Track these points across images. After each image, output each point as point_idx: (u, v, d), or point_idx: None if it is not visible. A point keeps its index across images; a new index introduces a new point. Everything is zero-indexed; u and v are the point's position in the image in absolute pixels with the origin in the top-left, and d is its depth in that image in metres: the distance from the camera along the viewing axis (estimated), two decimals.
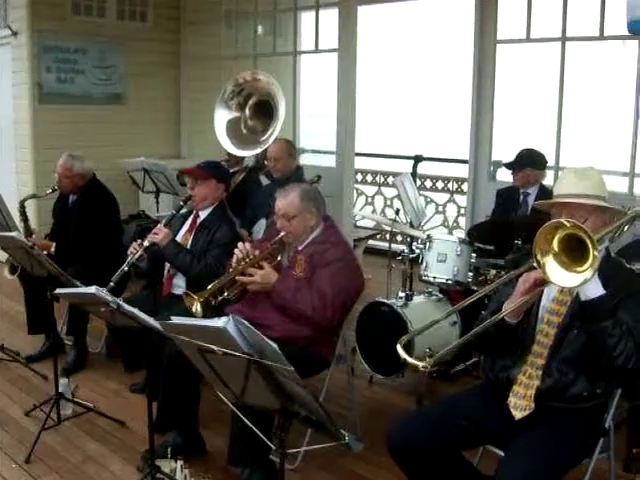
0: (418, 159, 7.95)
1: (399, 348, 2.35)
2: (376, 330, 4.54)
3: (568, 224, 2.30)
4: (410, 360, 2.30)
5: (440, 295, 4.79)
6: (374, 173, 8.65)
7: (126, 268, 4.19)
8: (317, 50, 6.95)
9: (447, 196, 8.00)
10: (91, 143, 6.94)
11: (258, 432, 2.35)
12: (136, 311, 2.88)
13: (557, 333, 2.70)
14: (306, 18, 7.41)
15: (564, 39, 5.41)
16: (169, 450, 3.50)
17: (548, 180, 5.30)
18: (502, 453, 2.77)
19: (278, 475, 3.34)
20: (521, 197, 5.03)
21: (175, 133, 8.18)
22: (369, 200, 8.74)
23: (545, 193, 4.98)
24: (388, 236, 8.16)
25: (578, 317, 2.62)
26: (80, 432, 4.02)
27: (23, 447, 3.81)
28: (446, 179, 7.96)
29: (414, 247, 4.80)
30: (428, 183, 8.08)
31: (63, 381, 4.15)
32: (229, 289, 3.54)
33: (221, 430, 3.87)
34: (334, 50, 6.70)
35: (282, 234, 3.61)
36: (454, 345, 2.49)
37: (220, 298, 3.52)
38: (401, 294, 4.64)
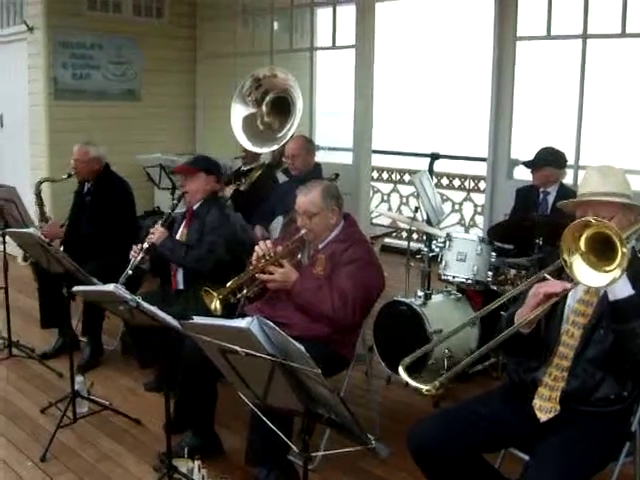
0: (435, 157, 7.92)
1: (401, 370, 2.24)
2: (394, 329, 4.49)
3: (595, 222, 2.24)
4: (413, 383, 2.19)
5: (459, 294, 4.74)
6: (390, 170, 8.58)
7: (130, 272, 4.16)
8: (334, 46, 6.90)
9: (464, 194, 7.92)
10: (106, 139, 6.83)
11: (280, 433, 2.30)
12: (155, 309, 2.83)
13: (583, 334, 2.64)
14: (322, 14, 7.34)
15: (585, 36, 5.34)
16: (186, 450, 3.47)
17: (568, 179, 5.23)
18: (525, 456, 2.72)
19: (297, 475, 3.37)
20: (541, 196, 4.95)
21: (190, 129, 8.16)
22: (385, 198, 8.67)
23: (565, 192, 4.90)
24: (405, 234, 8.14)
25: (605, 317, 2.56)
26: (96, 430, 3.99)
27: (38, 445, 3.79)
28: (463, 177, 7.88)
29: (433, 246, 4.74)
30: (444, 181, 8.00)
31: (79, 379, 4.12)
32: (248, 287, 3.49)
33: (238, 430, 3.84)
34: (351, 47, 6.66)
35: (303, 232, 3.56)
36: (462, 365, 2.38)
37: (239, 295, 3.48)
38: (420, 293, 4.59)
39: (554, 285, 2.44)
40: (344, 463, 3.63)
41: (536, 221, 4.26)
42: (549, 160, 4.87)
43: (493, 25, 5.71)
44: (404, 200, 8.53)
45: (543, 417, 2.64)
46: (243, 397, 2.39)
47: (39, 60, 6.93)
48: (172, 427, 3.90)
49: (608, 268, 2.22)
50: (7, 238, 4.71)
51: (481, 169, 7.78)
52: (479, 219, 7.86)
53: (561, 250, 2.31)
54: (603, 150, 6.05)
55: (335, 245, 3.57)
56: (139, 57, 7.54)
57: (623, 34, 5.14)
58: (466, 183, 7.87)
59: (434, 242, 4.74)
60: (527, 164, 4.97)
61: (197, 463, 3.36)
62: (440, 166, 7.90)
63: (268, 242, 3.58)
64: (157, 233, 4.12)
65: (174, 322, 2.84)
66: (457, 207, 8.03)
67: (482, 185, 7.73)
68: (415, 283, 5.44)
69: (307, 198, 3.55)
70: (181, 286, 4.23)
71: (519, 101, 5.79)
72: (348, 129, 6.91)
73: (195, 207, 4.34)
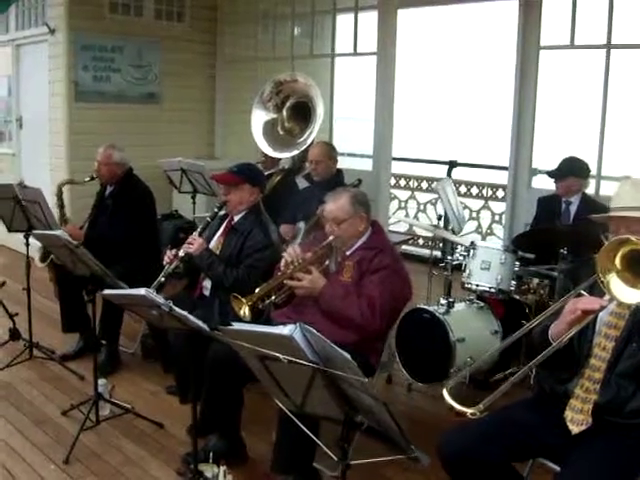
0: (453, 164, 7.91)
1: (445, 394, 2.24)
2: (417, 337, 4.48)
3: (636, 240, 2.23)
4: (458, 407, 2.19)
5: (481, 303, 4.72)
6: (407, 178, 8.58)
7: (163, 279, 4.08)
8: (355, 53, 6.90)
9: (481, 202, 7.90)
10: (125, 142, 6.84)
11: (320, 443, 2.29)
12: (187, 314, 2.83)
13: (615, 347, 2.62)
14: (341, 20, 7.34)
15: (609, 46, 5.32)
16: (211, 455, 3.46)
17: (590, 189, 5.21)
18: (555, 466, 2.70)
19: None
20: (563, 206, 4.94)
21: (209, 133, 8.18)
22: (402, 205, 8.67)
23: (588, 202, 4.90)
24: (421, 241, 8.13)
25: (637, 331, 2.55)
26: (118, 433, 3.99)
27: (61, 447, 3.78)
28: (481, 185, 7.87)
29: (457, 254, 4.72)
30: (462, 189, 7.98)
31: (101, 382, 4.11)
32: (276, 293, 3.48)
33: (263, 436, 3.83)
34: (373, 53, 6.66)
35: (331, 238, 3.54)
36: (505, 386, 2.39)
37: (267, 302, 3.47)
38: (443, 301, 4.58)
39: (592, 302, 2.43)
40: (367, 470, 3.60)
41: (562, 230, 4.24)
42: (573, 170, 4.86)
43: (517, 33, 5.70)
44: (421, 207, 8.52)
45: (575, 429, 2.62)
46: (279, 404, 2.38)
47: (60, 62, 6.96)
48: (197, 431, 3.95)
49: None
50: (31, 240, 4.73)
51: (499, 177, 7.78)
52: (496, 227, 7.84)
53: (597, 269, 2.31)
54: (626, 160, 6.01)
55: (363, 252, 3.56)
56: (160, 60, 7.56)
57: None
58: (484, 191, 7.85)
59: (458, 250, 4.73)
60: (551, 174, 4.96)
61: (222, 469, 3.34)
62: (458, 174, 7.88)
63: (297, 248, 3.57)
64: (196, 244, 3.99)
65: (205, 327, 2.83)
66: (475, 215, 8.01)
67: (500, 193, 7.73)
68: (434, 291, 5.43)
69: (336, 205, 3.54)
70: (207, 292, 4.17)
71: (541, 110, 5.77)
72: (367, 136, 6.91)
73: (236, 219, 4.18)
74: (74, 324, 5.06)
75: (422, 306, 4.55)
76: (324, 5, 7.26)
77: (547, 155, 5.92)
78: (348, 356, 1.92)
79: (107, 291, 3.16)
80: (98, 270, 3.67)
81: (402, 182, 8.64)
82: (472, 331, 4.46)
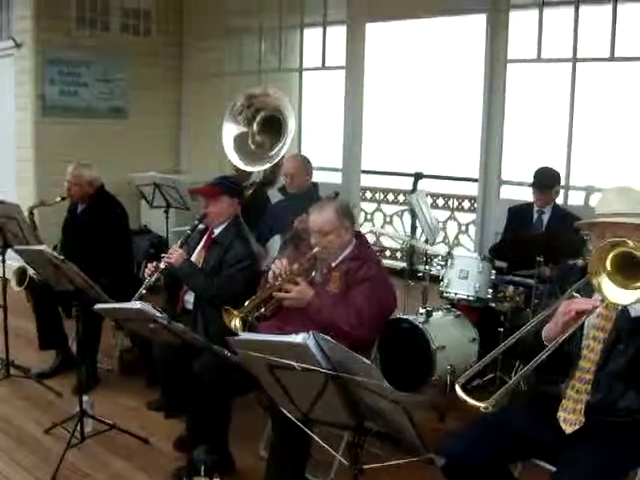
0: (419, 176, 8.02)
1: (458, 389, 2.30)
2: (396, 346, 4.54)
3: (631, 243, 2.32)
4: (471, 401, 2.25)
5: (457, 312, 4.81)
6: (373, 190, 8.67)
7: (144, 291, 4.08)
8: (324, 67, 6.96)
9: (448, 213, 8.04)
10: (92, 156, 6.78)
11: (329, 448, 2.31)
12: (185, 328, 2.83)
13: (603, 348, 2.72)
14: (310, 35, 7.40)
15: (575, 60, 5.49)
16: (202, 468, 3.45)
17: (559, 199, 5.35)
18: (549, 466, 2.77)
19: None
20: (535, 215, 5.07)
21: (175, 148, 8.14)
22: (368, 217, 8.76)
23: (559, 211, 5.05)
24: (388, 253, 8.22)
25: (624, 332, 2.64)
26: (104, 450, 3.95)
27: (46, 466, 3.73)
28: (447, 196, 8.01)
29: (435, 264, 4.81)
30: (429, 200, 8.09)
31: (84, 398, 4.06)
32: (265, 305, 3.51)
33: (249, 449, 3.86)
34: (341, 67, 6.74)
35: (316, 250, 3.58)
36: (512, 382, 2.46)
37: (256, 314, 3.48)
38: (421, 310, 4.66)
39: (585, 303, 2.51)
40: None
41: (540, 239, 4.35)
42: (556, 182, 5.01)
43: (485, 47, 5.84)
44: (388, 219, 8.62)
45: (568, 429, 2.71)
46: (285, 412, 2.40)
47: (27, 76, 6.89)
48: (185, 444, 3.94)
49: (635, 285, 2.31)
50: (7, 257, 4.68)
51: (464, 189, 7.94)
52: (463, 238, 7.99)
53: (589, 271, 2.39)
54: (592, 171, 6.21)
55: (349, 263, 3.60)
56: (127, 75, 7.53)
57: (612, 58, 5.30)
58: (450, 202, 8.00)
59: (435, 260, 4.82)
60: (537, 185, 5.04)
61: None
62: (424, 186, 7.99)
63: (284, 260, 3.59)
64: (175, 255, 4.00)
65: (203, 340, 2.84)
66: (441, 226, 8.14)
67: (466, 204, 7.89)
68: (407, 302, 5.53)
69: (321, 216, 3.58)
70: (189, 306, 4.17)
71: (509, 122, 5.91)
72: (336, 149, 6.98)
73: (217, 232, 4.22)
74: (50, 341, 5.00)
75: (402, 316, 4.62)
76: (292, 20, 7.32)
77: (516, 166, 6.05)
78: (368, 361, 1.96)
79: (100, 305, 3.14)
80: (84, 284, 3.64)
81: (368, 194, 8.74)
82: (451, 339, 4.56)
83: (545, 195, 4.97)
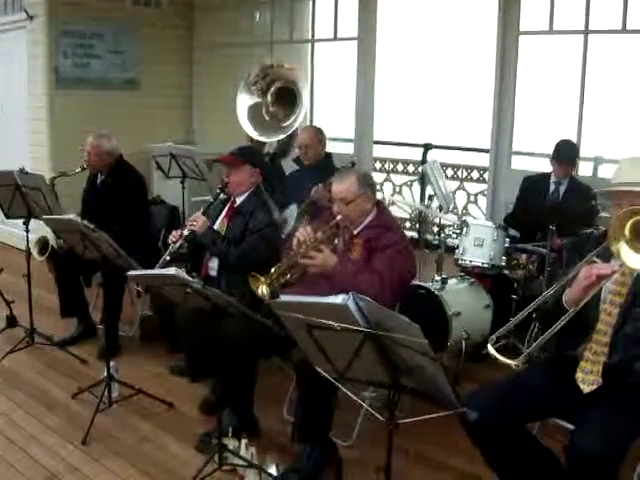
0: (428, 147, 8.05)
1: (490, 347, 2.41)
2: (413, 313, 4.60)
3: None
4: (503, 359, 2.37)
5: (471, 279, 4.91)
6: (383, 160, 8.71)
7: (168, 258, 4.19)
8: (335, 38, 6.98)
9: (456, 183, 8.10)
10: (106, 128, 6.90)
11: (364, 404, 2.42)
12: (219, 292, 2.93)
13: (620, 312, 2.82)
14: (321, 6, 7.39)
15: (587, 32, 5.52)
16: (230, 429, 3.57)
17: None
18: (567, 424, 2.89)
19: (336, 451, 3.52)
20: (552, 186, 5.15)
21: (188, 119, 8.19)
22: (377, 187, 8.79)
23: (575, 182, 5.13)
24: (405, 223, 8.29)
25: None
26: (131, 414, 4.07)
27: (75, 429, 3.85)
28: (456, 167, 8.05)
29: (449, 232, 4.91)
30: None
31: (112, 364, 4.17)
32: (290, 271, 3.60)
33: (270, 410, 3.98)
34: (353, 39, 6.76)
35: (338, 218, 3.66)
36: (539, 341, 2.56)
37: (282, 280, 3.58)
38: (437, 278, 4.76)
39: (605, 267, 2.60)
40: (378, 438, 3.76)
41: (561, 208, 4.44)
42: (577, 154, 5.11)
43: (497, 19, 5.87)
44: (397, 189, 8.68)
45: (586, 389, 2.81)
46: (320, 371, 2.50)
47: (40, 49, 6.91)
48: (210, 408, 4.06)
49: None
50: (31, 227, 4.77)
51: (473, 159, 7.99)
52: (471, 208, 8.06)
53: (609, 237, 2.48)
54: (603, 142, 6.27)
55: (371, 230, 3.69)
56: (138, 46, 7.56)
57: (624, 30, 5.34)
58: (459, 172, 8.06)
59: (450, 229, 4.91)
60: (559, 158, 5.08)
61: (244, 442, 3.48)
62: (433, 156, 8.03)
63: (308, 228, 3.68)
64: (199, 222, 4.10)
65: (237, 304, 2.94)
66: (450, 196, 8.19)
67: (475, 174, 7.94)
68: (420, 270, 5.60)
69: (343, 185, 3.66)
70: (214, 273, 4.26)
71: (521, 94, 5.95)
72: (348, 120, 7.03)
73: (239, 201, 4.30)
74: (72, 309, 5.10)
75: (418, 283, 4.72)
76: None
77: (526, 137, 6.12)
78: (407, 319, 2.06)
79: (133, 272, 3.23)
80: (112, 253, 3.73)
81: (377, 165, 8.78)
82: (466, 305, 4.65)
83: (565, 167, 5.04)
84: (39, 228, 5.07)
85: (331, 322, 2.17)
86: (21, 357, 4.81)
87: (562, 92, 6.35)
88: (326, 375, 2.48)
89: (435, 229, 7.54)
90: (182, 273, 2.96)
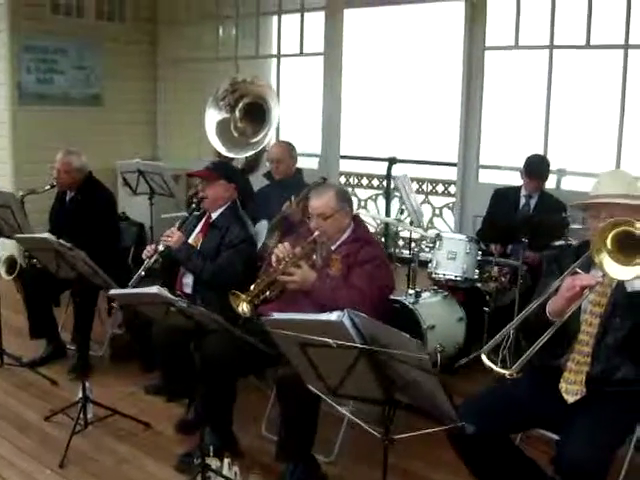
0: (392, 161, 8.14)
1: (484, 358, 2.44)
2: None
3: (638, 224, 2.47)
4: (496, 369, 2.39)
5: (444, 292, 4.95)
6: (347, 174, 8.76)
7: (143, 273, 4.14)
8: (302, 53, 7.00)
9: (421, 197, 8.17)
10: (70, 144, 6.78)
11: (360, 422, 2.41)
12: (204, 310, 2.90)
13: (601, 322, 2.87)
14: (285, 21, 7.40)
15: (552, 47, 5.63)
16: (211, 448, 3.52)
17: None
18: (551, 434, 2.94)
19: (318, 468, 3.51)
20: (523, 200, 5.22)
21: (152, 135, 8.11)
22: None
23: (545, 196, 5.21)
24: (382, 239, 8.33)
25: (620, 306, 2.80)
26: (107, 435, 3.98)
27: (51, 452, 3.75)
28: (421, 180, 8.13)
29: (423, 246, 4.95)
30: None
31: (87, 385, 4.08)
32: (270, 288, 3.58)
33: (249, 428, 3.94)
34: (319, 54, 6.79)
35: (316, 233, 3.66)
36: (532, 349, 2.60)
37: (262, 297, 3.55)
38: (410, 291, 4.79)
39: (588, 279, 2.65)
40: (360, 453, 3.77)
41: (533, 222, 4.49)
42: (548, 169, 5.18)
43: (463, 35, 5.95)
44: (362, 203, 8.72)
45: (570, 399, 2.86)
46: (312, 389, 2.49)
47: (2, 64, 6.78)
48: (187, 427, 4.00)
49: (635, 262, 2.46)
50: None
51: (438, 173, 8.09)
52: (437, 221, 8.14)
53: (591, 248, 2.54)
54: (569, 156, 6.39)
55: (349, 246, 3.69)
56: (101, 62, 7.47)
57: (588, 45, 5.46)
58: (424, 186, 8.14)
59: (423, 242, 4.95)
60: (530, 173, 5.15)
61: (227, 461, 3.43)
62: (398, 170, 8.10)
63: (287, 244, 3.66)
64: (174, 237, 4.08)
65: (225, 323, 2.91)
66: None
67: (440, 188, 8.04)
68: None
69: (322, 200, 3.66)
70: (188, 290, 4.23)
71: (488, 108, 6.04)
72: (314, 135, 7.04)
73: (214, 216, 4.29)
74: (41, 330, 4.99)
75: (392, 297, 4.73)
76: (269, 6, 7.34)
77: (494, 151, 6.21)
78: (407, 335, 2.07)
79: (115, 291, 3.18)
80: (88, 271, 3.66)
81: (342, 179, 8.80)
82: (440, 319, 4.69)
83: (535, 182, 5.13)
84: (5, 247, 4.97)
85: (328, 339, 2.16)
86: None
87: (528, 106, 6.47)
88: (318, 393, 2.47)
89: (400, 242, 7.64)
90: (165, 291, 2.93)
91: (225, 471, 3.39)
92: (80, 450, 3.79)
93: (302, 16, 6.91)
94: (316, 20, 6.82)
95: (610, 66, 5.60)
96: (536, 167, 5.12)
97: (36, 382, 4.67)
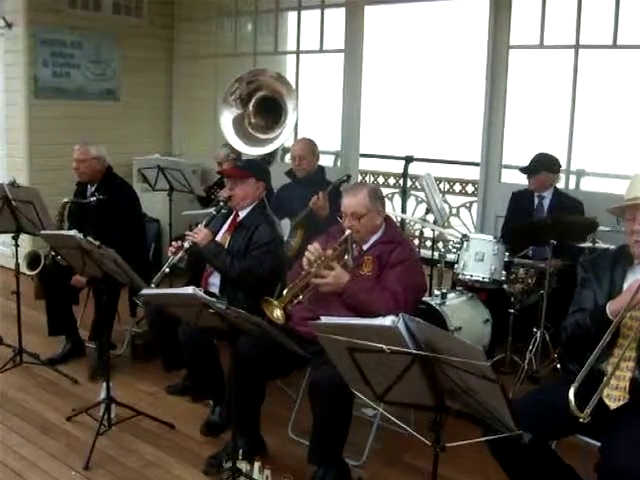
0: (409, 160, 8.03)
1: (571, 395, 2.44)
2: None
3: None
4: (575, 410, 2.42)
5: (470, 293, 4.88)
6: (364, 173, 8.69)
7: (167, 270, 4.08)
8: (321, 50, 6.91)
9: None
10: (84, 139, 6.72)
11: (410, 429, 2.34)
12: (243, 312, 2.82)
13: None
14: (305, 17, 7.30)
15: (577, 47, 5.53)
16: (240, 452, 3.46)
17: (560, 184, 5.43)
18: (594, 442, 2.86)
19: (349, 472, 3.44)
20: (536, 200, 5.15)
21: (167, 131, 8.03)
22: None
23: (560, 197, 5.14)
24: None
25: None
26: (131, 436, 3.93)
27: (74, 453, 3.71)
28: (437, 179, 8.04)
29: (450, 246, 4.88)
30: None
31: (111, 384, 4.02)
32: (303, 292, 3.49)
33: (275, 430, 3.88)
34: (340, 50, 6.71)
35: (347, 232, 3.58)
36: (592, 357, 2.56)
37: (295, 302, 3.47)
38: (437, 292, 4.72)
39: None
40: (389, 458, 3.71)
41: (549, 223, 4.42)
42: (544, 165, 5.07)
43: (487, 33, 5.85)
44: None
45: (613, 405, 2.80)
46: (358, 394, 2.42)
47: (18, 57, 6.71)
48: (214, 429, 3.94)
49: None
50: (20, 242, 4.60)
51: (457, 172, 8.02)
52: (454, 220, 8.07)
53: None
54: (594, 156, 6.32)
55: (382, 246, 3.62)
56: (117, 56, 7.40)
57: (614, 45, 5.37)
58: (441, 186, 8.06)
59: (450, 243, 4.88)
60: (524, 170, 5.14)
61: (257, 464, 3.36)
62: (415, 169, 8.03)
63: (317, 245, 3.58)
64: (201, 234, 4.02)
65: (266, 325, 2.85)
66: None
67: (457, 187, 7.97)
68: None
69: (355, 199, 3.58)
70: (215, 289, 4.16)
71: (511, 108, 5.95)
72: (334, 132, 6.97)
73: (242, 215, 4.23)
74: (60, 327, 4.94)
75: None
76: (289, 2, 7.25)
77: (517, 151, 6.12)
78: (468, 342, 1.99)
79: (147, 290, 3.11)
80: (116, 269, 3.58)
81: (358, 178, 8.74)
82: (466, 320, 4.62)
83: (534, 180, 5.05)
84: (25, 244, 4.90)
85: (381, 345, 2.09)
86: (9, 377, 4.63)
87: (552, 106, 6.38)
88: (364, 398, 2.40)
89: (416, 242, 7.57)
90: (200, 292, 2.85)
91: (256, 475, 3.33)
92: (105, 452, 3.73)
93: (322, 12, 6.81)
94: (337, 16, 6.73)
95: (637, 66, 5.51)
96: (532, 164, 5.06)
97: (56, 381, 4.64)
